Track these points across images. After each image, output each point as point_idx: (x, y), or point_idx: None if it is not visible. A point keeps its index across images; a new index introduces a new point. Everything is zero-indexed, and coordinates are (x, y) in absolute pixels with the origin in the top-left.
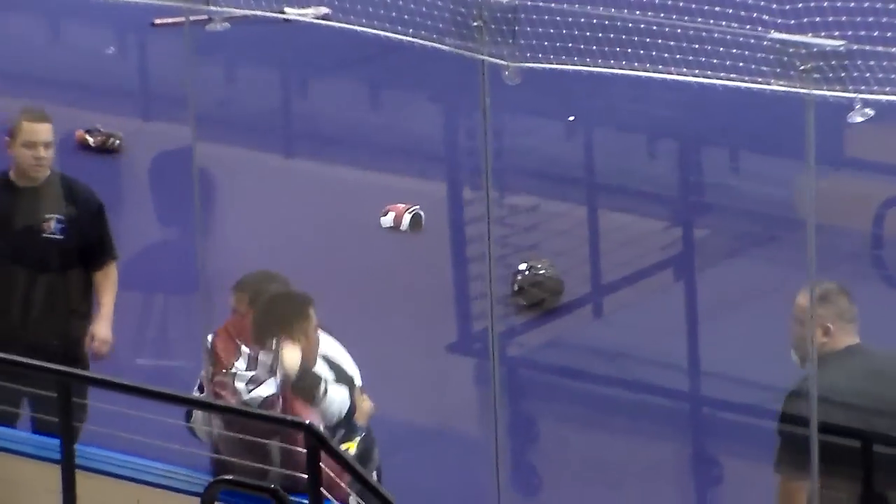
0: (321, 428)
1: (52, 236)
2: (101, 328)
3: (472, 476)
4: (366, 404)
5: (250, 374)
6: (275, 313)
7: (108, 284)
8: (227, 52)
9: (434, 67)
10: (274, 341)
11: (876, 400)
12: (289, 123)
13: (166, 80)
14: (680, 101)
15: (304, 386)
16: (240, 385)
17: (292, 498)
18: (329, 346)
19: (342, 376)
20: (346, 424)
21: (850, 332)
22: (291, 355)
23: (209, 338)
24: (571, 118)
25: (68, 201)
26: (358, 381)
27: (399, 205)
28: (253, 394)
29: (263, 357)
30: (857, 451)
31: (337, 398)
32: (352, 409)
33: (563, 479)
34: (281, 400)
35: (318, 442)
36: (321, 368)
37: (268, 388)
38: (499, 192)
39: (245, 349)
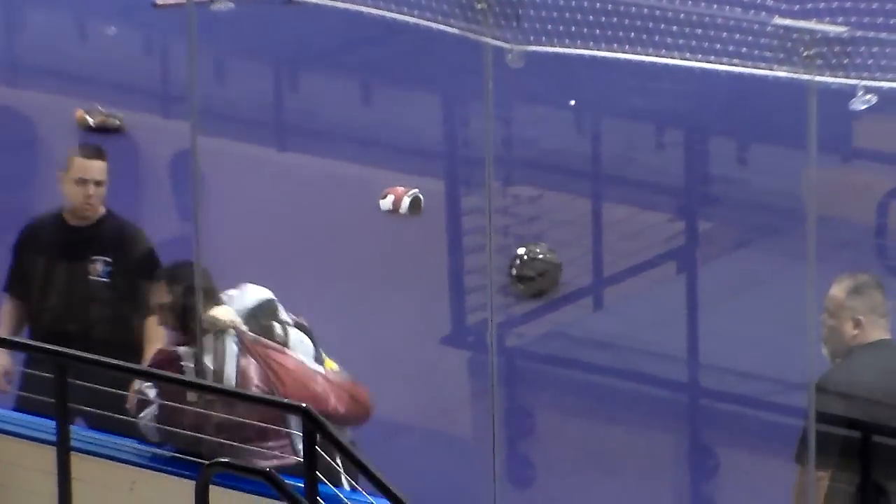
0: None
1: (97, 279)
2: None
3: (468, 467)
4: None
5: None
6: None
7: (151, 335)
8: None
9: (434, 54)
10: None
11: None
12: (282, 117)
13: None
14: (686, 91)
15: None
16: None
17: (287, 481)
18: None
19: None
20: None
21: (882, 327)
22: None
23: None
24: (572, 102)
25: (117, 244)
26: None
27: (398, 187)
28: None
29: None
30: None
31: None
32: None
33: (560, 470)
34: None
35: (314, 426)
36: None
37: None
38: (501, 182)
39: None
